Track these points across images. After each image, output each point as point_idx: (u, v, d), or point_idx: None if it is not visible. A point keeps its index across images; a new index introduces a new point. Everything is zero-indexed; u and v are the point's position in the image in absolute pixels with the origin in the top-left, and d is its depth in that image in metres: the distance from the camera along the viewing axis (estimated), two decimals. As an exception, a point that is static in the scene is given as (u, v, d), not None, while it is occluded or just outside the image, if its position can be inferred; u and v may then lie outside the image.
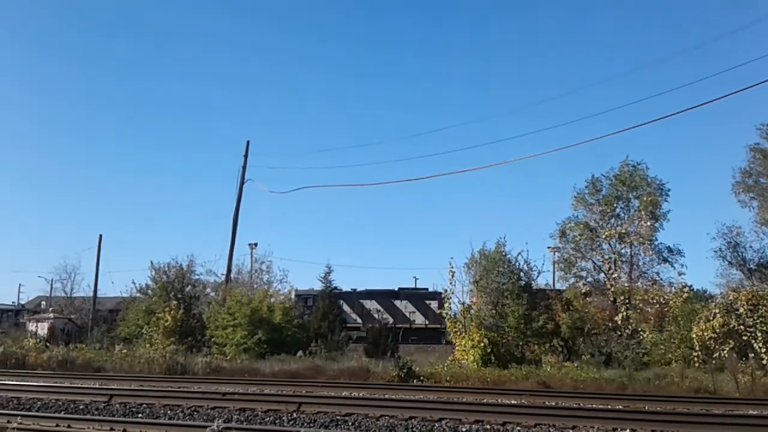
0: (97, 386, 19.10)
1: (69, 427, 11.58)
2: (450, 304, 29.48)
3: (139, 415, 14.32)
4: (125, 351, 29.35)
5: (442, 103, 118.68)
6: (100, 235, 48.02)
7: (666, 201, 29.90)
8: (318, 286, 38.44)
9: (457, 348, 28.14)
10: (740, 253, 32.75)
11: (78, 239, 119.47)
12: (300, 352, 28.57)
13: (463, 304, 29.18)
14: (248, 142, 41.76)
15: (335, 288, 37.84)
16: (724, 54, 73.08)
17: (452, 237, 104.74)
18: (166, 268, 37.62)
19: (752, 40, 75.35)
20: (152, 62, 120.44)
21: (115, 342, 34.17)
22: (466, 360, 26.31)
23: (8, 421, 11.57)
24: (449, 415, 13.34)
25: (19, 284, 53.93)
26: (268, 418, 13.78)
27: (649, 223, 29.29)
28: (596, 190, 30.95)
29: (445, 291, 30.03)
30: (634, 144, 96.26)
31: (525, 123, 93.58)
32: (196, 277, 38.77)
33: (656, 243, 29.72)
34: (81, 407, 15.38)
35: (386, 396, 17.08)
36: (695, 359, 24.03)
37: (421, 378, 22.67)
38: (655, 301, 28.02)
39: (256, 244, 46.51)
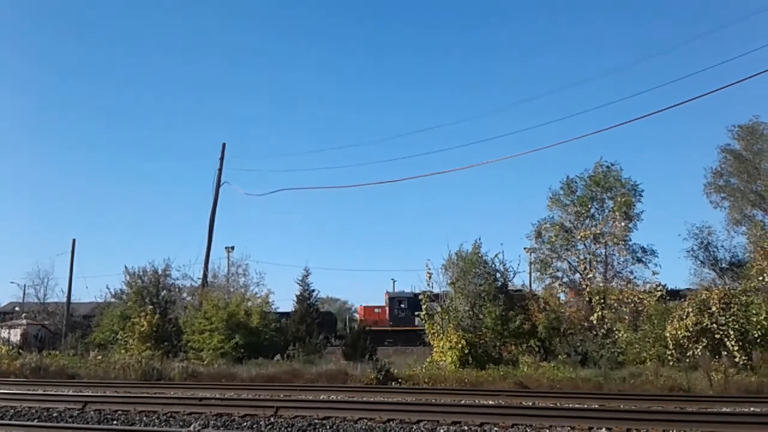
0: (71, 393, 18.84)
1: (42, 435, 11.40)
2: (427, 305, 29.51)
3: (114, 422, 14.15)
4: (100, 357, 29.01)
5: (422, 104, 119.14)
6: (74, 240, 47.38)
7: (639, 201, 30.33)
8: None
9: (435, 349, 28.20)
10: (712, 253, 33.32)
11: (51, 244, 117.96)
12: (278, 356, 28.42)
13: (441, 305, 29.26)
14: (224, 145, 41.52)
15: (313, 291, 37.69)
16: (696, 54, 74.27)
17: (430, 239, 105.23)
18: (141, 273, 37.31)
19: (728, 42, 76.68)
20: (130, 70, 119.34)
21: (89, 348, 33.76)
22: (444, 361, 26.37)
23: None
24: (427, 417, 13.37)
25: (-9, 290, 53.09)
26: (245, 423, 13.68)
27: (623, 224, 29.62)
28: (571, 191, 31.26)
29: (423, 293, 30.07)
30: (610, 145, 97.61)
31: (508, 123, 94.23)
32: (172, 281, 38.51)
33: (630, 243, 30.13)
34: (55, 415, 15.14)
35: (364, 399, 17.06)
36: (669, 358, 24.31)
37: (400, 380, 22.66)
38: (629, 300, 28.33)
39: (232, 248, 46.19)
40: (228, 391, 19.70)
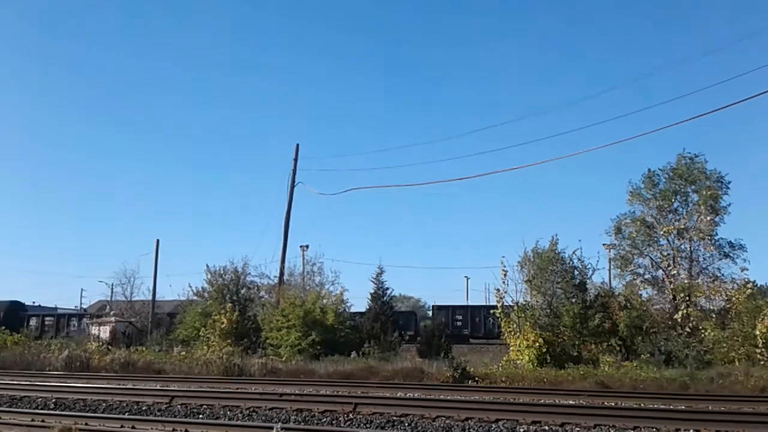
0: (158, 387, 19.58)
1: (133, 428, 11.91)
2: (503, 303, 29.14)
3: (200, 416, 14.63)
4: (183, 353, 29.98)
5: (489, 101, 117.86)
6: (158, 240, 49.27)
7: (726, 194, 29.00)
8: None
9: (511, 348, 27.82)
10: (806, 247, 31.49)
11: (137, 244, 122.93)
12: (353, 353, 28.69)
13: (517, 303, 28.85)
14: (297, 146, 42.25)
15: (386, 288, 37.82)
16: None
17: (505, 236, 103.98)
18: (222, 272, 38.36)
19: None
20: (211, 58, 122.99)
21: (173, 344, 34.95)
22: (521, 360, 25.98)
23: (75, 423, 11.96)
24: (506, 416, 13.22)
25: (81, 289, 55.76)
26: (325, 419, 13.90)
27: (709, 218, 28.42)
28: (653, 184, 30.13)
29: (498, 291, 29.70)
30: (693, 137, 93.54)
31: (577, 119, 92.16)
32: (251, 279, 39.45)
33: (717, 238, 28.86)
34: (144, 408, 15.80)
35: (441, 397, 17.01)
36: (760, 357, 23.22)
37: (476, 379, 22.49)
38: (716, 297, 27.19)
39: (307, 246, 46.99)
40: (306, 387, 20.04)
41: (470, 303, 53.89)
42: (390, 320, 35.11)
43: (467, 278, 74.91)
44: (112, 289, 56.28)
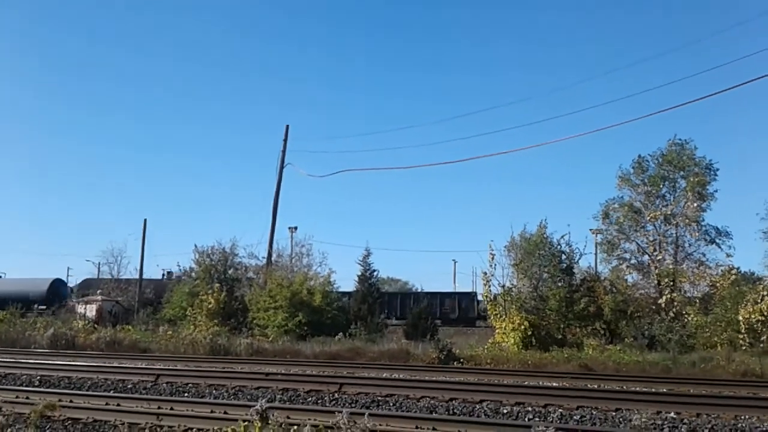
0: (144, 366, 19.58)
1: (118, 405, 11.89)
2: (490, 286, 29.29)
3: (186, 395, 14.68)
4: (170, 332, 29.96)
5: (481, 86, 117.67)
6: (145, 220, 49.00)
7: (714, 180, 29.20)
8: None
9: (497, 331, 28.00)
10: (790, 234, 31.76)
11: (124, 224, 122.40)
12: (340, 334, 28.80)
13: (504, 286, 29.00)
14: (287, 127, 42.09)
15: (373, 271, 37.89)
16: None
17: (492, 220, 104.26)
18: (210, 252, 38.26)
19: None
20: (200, 46, 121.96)
21: (159, 323, 34.91)
22: (507, 343, 26.16)
23: (59, 400, 11.94)
24: (490, 397, 13.33)
25: (68, 267, 55.33)
26: (310, 398, 13.97)
27: (695, 204, 28.64)
28: (642, 170, 30.29)
29: (485, 274, 29.83)
30: (682, 124, 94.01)
31: (567, 105, 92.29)
32: (239, 260, 39.40)
33: (703, 224, 29.10)
34: (129, 386, 15.81)
35: (427, 378, 17.11)
36: (742, 342, 23.51)
37: (462, 360, 22.62)
38: (701, 283, 27.46)
39: (296, 228, 47.07)
40: (293, 367, 20.10)
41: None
42: (377, 302, 35.24)
43: (455, 262, 75.27)
44: (99, 267, 56.11)
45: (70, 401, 12.08)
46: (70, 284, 64.81)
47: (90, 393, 14.28)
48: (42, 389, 14.71)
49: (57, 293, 48.73)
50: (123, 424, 10.06)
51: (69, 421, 10.91)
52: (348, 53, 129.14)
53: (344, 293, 37.94)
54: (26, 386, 15.60)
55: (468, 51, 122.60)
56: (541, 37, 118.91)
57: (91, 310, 40.96)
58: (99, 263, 56.58)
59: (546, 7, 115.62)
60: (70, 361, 20.89)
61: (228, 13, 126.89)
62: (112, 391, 15.04)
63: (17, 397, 12.78)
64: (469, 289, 52.25)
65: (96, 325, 34.18)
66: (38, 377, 17.00)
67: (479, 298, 41.98)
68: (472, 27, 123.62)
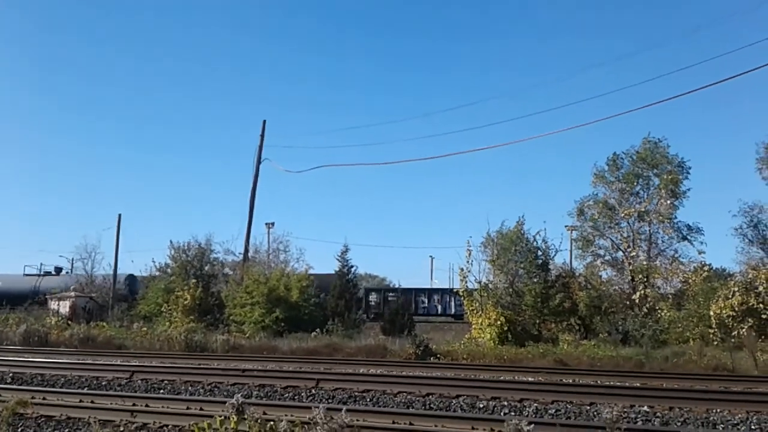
0: (118, 363, 19.38)
1: (92, 402, 11.76)
2: (467, 282, 29.45)
3: (161, 391, 14.56)
4: (145, 329, 29.69)
5: (461, 81, 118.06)
6: (120, 215, 48.20)
7: (687, 179, 29.65)
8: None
9: (473, 326, 28.19)
10: (761, 232, 32.34)
11: (98, 219, 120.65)
12: (317, 330, 28.78)
13: (480, 282, 29.18)
14: (264, 122, 41.77)
15: (351, 267, 37.86)
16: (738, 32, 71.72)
17: (469, 216, 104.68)
18: (186, 247, 37.98)
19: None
20: (171, 42, 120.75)
21: (134, 320, 34.57)
22: (483, 338, 26.36)
23: (32, 397, 11.78)
24: (466, 392, 13.42)
25: (41, 263, 54.22)
26: (287, 394, 13.95)
27: (668, 201, 29.03)
28: (617, 167, 30.66)
29: (462, 270, 29.98)
30: (656, 123, 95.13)
31: (549, 100, 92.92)
32: (215, 256, 39.16)
33: (676, 221, 29.53)
34: (104, 383, 15.64)
35: (404, 373, 17.17)
36: (713, 337, 23.90)
37: (438, 356, 22.75)
38: (674, 279, 27.87)
39: (273, 224, 46.88)
40: (269, 363, 20.02)
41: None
42: (354, 298, 35.23)
43: (432, 258, 75.41)
44: (72, 263, 55.24)
45: (44, 398, 11.92)
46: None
47: (63, 390, 14.07)
48: (14, 386, 14.49)
49: (133, 289, 47.93)
50: (97, 421, 9.96)
51: (42, 419, 10.76)
52: (329, 49, 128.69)
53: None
54: (-2, 383, 15.36)
55: (447, 48, 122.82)
56: (520, 33, 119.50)
57: (64, 307, 40.35)
58: (72, 259, 55.67)
59: (524, 5, 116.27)
60: (43, 358, 20.60)
61: (204, 10, 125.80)
62: (86, 389, 14.84)
63: (-11, 394, 12.58)
64: (446, 286, 52.36)
65: (69, 322, 33.74)
66: (10, 374, 16.73)
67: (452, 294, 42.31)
68: (452, 24, 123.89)
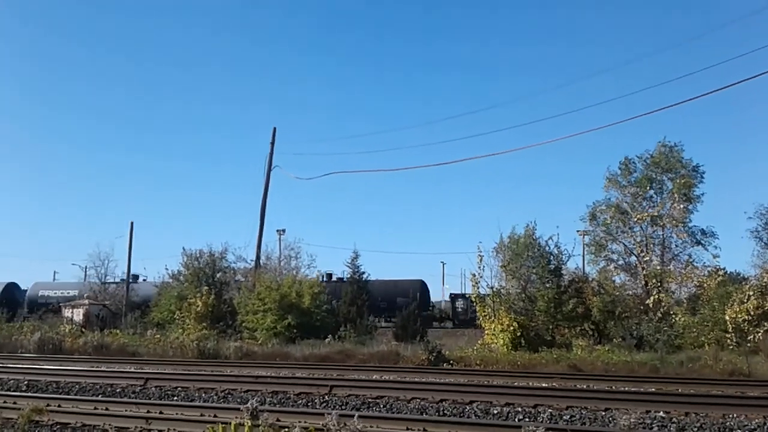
0: (132, 370, 19.47)
1: (107, 409, 11.81)
2: (479, 288, 29.37)
3: (175, 398, 14.60)
4: (158, 336, 29.80)
5: (471, 87, 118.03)
6: (132, 223, 48.55)
7: (701, 183, 29.50)
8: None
9: (486, 332, 28.07)
10: (777, 235, 32.11)
11: (111, 227, 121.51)
12: (329, 337, 28.77)
13: (492, 288, 29.10)
14: (275, 129, 41.85)
15: (362, 273, 37.90)
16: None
17: (481, 222, 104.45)
18: (198, 255, 38.15)
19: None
20: (186, 48, 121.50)
21: (148, 327, 34.72)
22: (496, 344, 26.24)
23: (47, 404, 11.85)
24: (480, 398, 13.37)
25: (54, 272, 54.60)
26: (300, 401, 13.95)
27: (682, 206, 28.87)
28: (629, 171, 30.52)
29: (474, 276, 29.91)
30: (668, 127, 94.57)
31: (556, 107, 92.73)
32: (227, 263, 39.31)
33: (689, 225, 29.35)
34: (118, 390, 15.71)
35: (417, 379, 17.14)
36: (729, 342, 23.70)
37: (451, 362, 22.65)
38: (688, 283, 27.69)
39: (284, 231, 47.00)
40: (282, 369, 20.05)
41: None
42: (365, 304, 35.23)
43: (443, 263, 75.16)
44: (85, 272, 55.62)
45: (59, 406, 11.99)
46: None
47: (78, 397, 14.18)
48: (29, 394, 14.60)
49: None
50: (112, 428, 10.02)
51: (57, 426, 10.83)
52: (338, 53, 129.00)
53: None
54: (13, 391, 15.44)
55: (456, 52, 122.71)
56: (528, 38, 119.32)
57: (78, 314, 40.63)
58: (86, 267, 56.03)
59: (531, 6, 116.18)
60: (57, 366, 20.72)
61: (214, 15, 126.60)
62: (100, 396, 14.92)
63: (5, 402, 12.66)
64: (458, 291, 52.23)
65: (83, 329, 33.93)
66: (26, 382, 16.84)
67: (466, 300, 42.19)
68: (459, 27, 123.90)
